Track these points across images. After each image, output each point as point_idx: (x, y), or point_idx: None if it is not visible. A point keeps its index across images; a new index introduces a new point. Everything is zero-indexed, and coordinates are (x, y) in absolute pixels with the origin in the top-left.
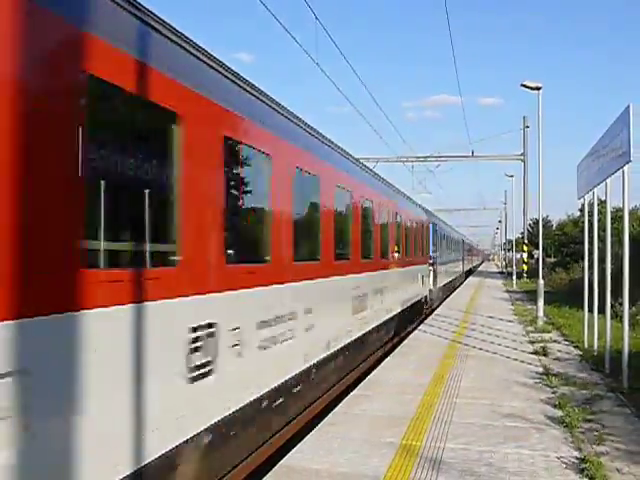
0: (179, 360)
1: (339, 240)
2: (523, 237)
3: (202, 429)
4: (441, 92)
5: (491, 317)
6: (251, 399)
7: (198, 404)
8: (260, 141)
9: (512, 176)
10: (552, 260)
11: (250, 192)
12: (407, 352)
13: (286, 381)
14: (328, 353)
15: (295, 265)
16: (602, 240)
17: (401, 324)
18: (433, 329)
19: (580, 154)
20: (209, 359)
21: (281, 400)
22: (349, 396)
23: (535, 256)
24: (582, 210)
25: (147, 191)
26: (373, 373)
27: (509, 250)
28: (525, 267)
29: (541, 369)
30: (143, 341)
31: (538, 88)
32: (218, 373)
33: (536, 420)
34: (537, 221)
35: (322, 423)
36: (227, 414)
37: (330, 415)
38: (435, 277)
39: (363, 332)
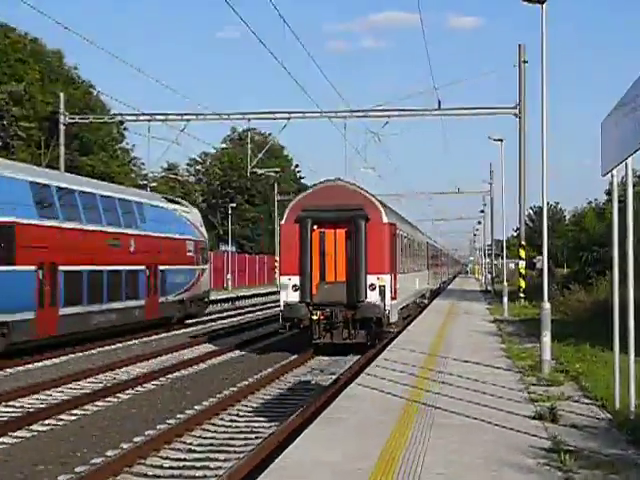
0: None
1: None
2: (519, 235)
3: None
4: (387, 7)
5: (470, 362)
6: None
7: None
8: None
9: (501, 140)
10: (564, 272)
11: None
12: (339, 418)
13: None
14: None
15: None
16: None
17: None
18: (379, 381)
19: (605, 111)
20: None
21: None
22: None
23: (538, 265)
24: (610, 193)
25: None
26: (284, 453)
27: (498, 256)
28: (522, 283)
29: (548, 443)
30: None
31: (542, 1)
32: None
33: None
34: (540, 210)
35: None
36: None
37: None
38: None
39: None
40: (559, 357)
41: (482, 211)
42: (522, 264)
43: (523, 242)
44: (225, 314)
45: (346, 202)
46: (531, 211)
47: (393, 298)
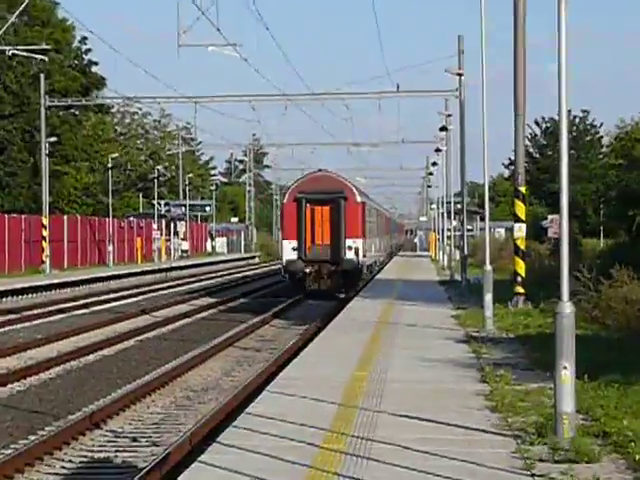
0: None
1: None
2: (514, 174)
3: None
4: None
5: (421, 420)
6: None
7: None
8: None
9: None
10: (600, 245)
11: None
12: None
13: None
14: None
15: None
16: None
17: None
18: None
19: None
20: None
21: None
22: None
23: (550, 232)
24: None
25: None
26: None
27: (474, 216)
28: (520, 267)
29: None
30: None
31: None
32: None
33: None
34: (553, 126)
35: None
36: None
37: None
38: None
39: None
40: (591, 408)
41: (443, 129)
42: (520, 230)
43: (521, 186)
44: None
45: (330, 187)
46: (536, 127)
47: (364, 256)
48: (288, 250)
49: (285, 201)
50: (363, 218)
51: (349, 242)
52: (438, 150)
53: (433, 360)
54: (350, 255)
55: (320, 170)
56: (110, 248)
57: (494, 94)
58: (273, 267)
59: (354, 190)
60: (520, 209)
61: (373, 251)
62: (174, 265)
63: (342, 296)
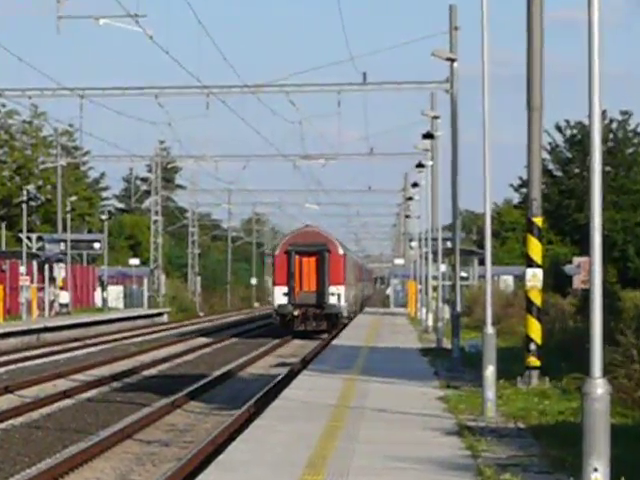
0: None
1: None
2: (527, 197)
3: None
4: None
5: None
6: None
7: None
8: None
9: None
10: None
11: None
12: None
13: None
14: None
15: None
16: None
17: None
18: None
19: None
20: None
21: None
22: None
23: (576, 280)
24: None
25: None
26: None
27: (468, 256)
28: (535, 330)
29: None
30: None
31: None
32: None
33: None
34: (580, 131)
35: None
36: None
37: None
38: None
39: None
40: None
41: (428, 136)
42: (534, 278)
43: (537, 217)
44: None
45: (316, 241)
46: (558, 134)
47: (346, 301)
48: (279, 295)
49: (277, 252)
50: (344, 268)
51: (332, 289)
52: (421, 165)
53: (410, 460)
54: (333, 300)
55: (307, 226)
56: None
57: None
58: (188, 328)
59: (336, 244)
60: (535, 249)
61: (351, 297)
62: (49, 325)
63: (325, 336)
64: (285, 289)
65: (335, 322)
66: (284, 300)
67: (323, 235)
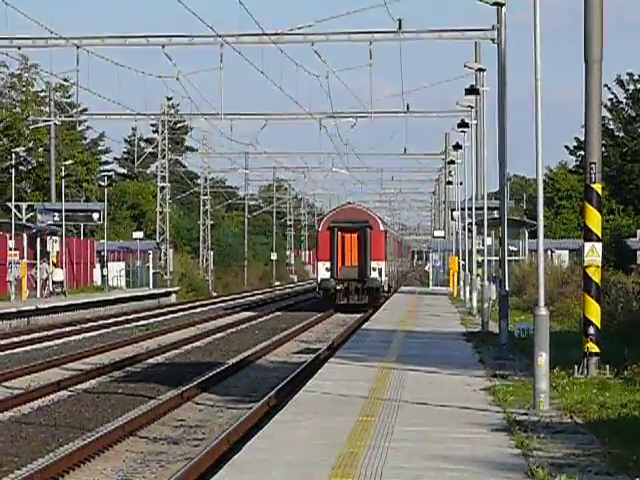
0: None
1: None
2: (586, 151)
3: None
4: None
5: None
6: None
7: None
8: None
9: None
10: None
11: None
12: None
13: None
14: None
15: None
16: None
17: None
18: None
19: None
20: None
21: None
22: None
23: None
24: None
25: None
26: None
27: (520, 229)
28: (593, 310)
29: None
30: None
31: None
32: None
33: None
34: None
35: None
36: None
37: None
38: None
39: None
40: None
41: (472, 91)
42: (593, 253)
43: (596, 183)
44: None
45: (358, 217)
46: (620, 90)
47: (386, 276)
48: (322, 270)
49: (320, 229)
50: (385, 244)
51: (374, 264)
52: (464, 125)
53: (452, 460)
54: (374, 275)
55: (349, 203)
56: None
57: (555, 42)
58: (199, 310)
59: (378, 220)
60: (594, 219)
61: (391, 272)
62: (41, 307)
63: (369, 311)
64: (328, 264)
65: (376, 296)
66: (327, 275)
67: (365, 212)
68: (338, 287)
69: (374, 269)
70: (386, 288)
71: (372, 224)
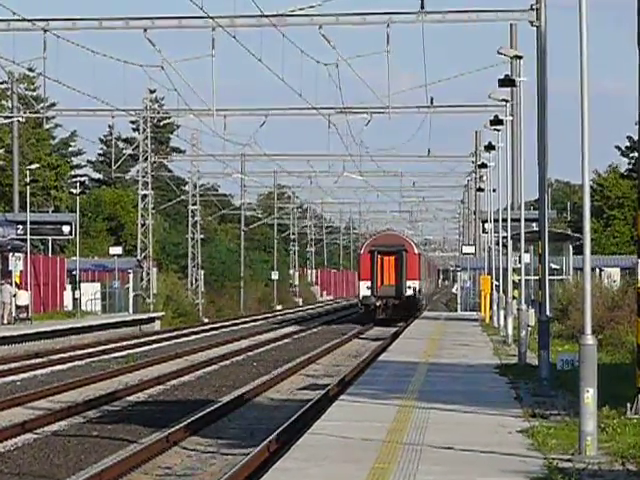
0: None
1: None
2: None
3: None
4: None
5: None
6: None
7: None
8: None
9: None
10: None
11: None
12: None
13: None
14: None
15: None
16: None
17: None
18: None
19: None
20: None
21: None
22: None
23: None
24: None
25: None
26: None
27: (563, 243)
28: None
29: None
30: None
31: None
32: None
33: None
34: None
35: None
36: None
37: None
38: None
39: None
40: None
41: (506, 82)
42: None
43: None
44: None
45: (395, 242)
46: None
47: (420, 293)
48: (364, 288)
49: (361, 252)
50: (419, 266)
51: (409, 283)
52: (497, 122)
53: None
54: (410, 292)
55: (388, 229)
56: None
57: (602, 25)
58: (187, 339)
59: (413, 245)
60: None
61: (424, 290)
62: (3, 334)
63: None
64: (369, 283)
65: (411, 311)
66: (368, 292)
67: (401, 237)
68: (377, 303)
69: (409, 287)
70: (419, 303)
71: (407, 248)
